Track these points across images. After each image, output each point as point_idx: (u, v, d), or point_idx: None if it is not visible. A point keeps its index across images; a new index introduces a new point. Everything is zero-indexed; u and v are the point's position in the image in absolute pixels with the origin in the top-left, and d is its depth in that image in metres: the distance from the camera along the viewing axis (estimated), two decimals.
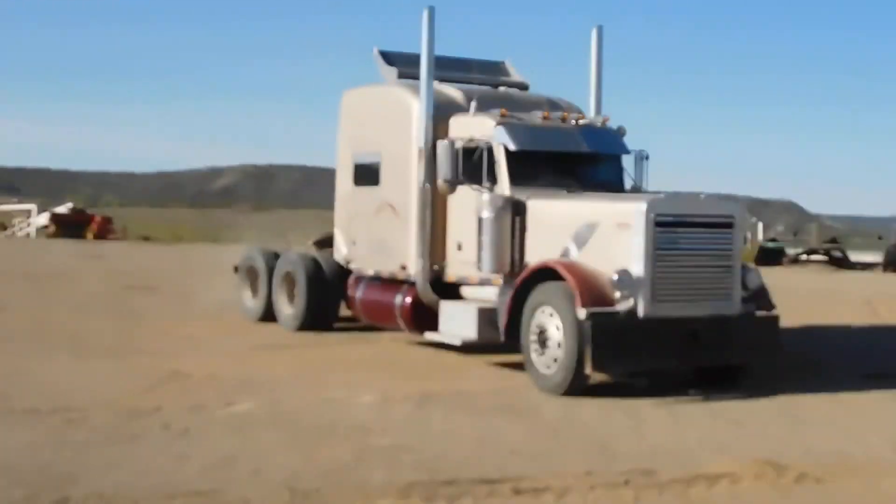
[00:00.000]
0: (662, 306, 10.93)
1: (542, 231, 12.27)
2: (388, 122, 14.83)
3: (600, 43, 15.55)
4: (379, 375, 12.98)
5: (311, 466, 8.37)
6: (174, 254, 39.96)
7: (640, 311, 10.82)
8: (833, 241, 50.39)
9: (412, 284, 13.85)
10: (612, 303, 10.80)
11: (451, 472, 8.31)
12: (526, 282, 11.75)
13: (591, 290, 10.81)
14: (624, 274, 10.70)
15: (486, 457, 8.96)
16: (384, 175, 14.84)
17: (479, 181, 12.69)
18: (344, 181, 16.10)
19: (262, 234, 32.07)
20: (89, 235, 56.41)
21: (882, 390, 12.47)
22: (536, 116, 13.53)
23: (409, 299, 13.83)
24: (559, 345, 11.07)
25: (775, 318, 12.33)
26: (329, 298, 16.20)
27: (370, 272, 15.06)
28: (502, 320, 12.16)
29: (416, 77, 14.18)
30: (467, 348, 13.73)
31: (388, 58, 15.33)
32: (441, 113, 13.62)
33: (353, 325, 16.60)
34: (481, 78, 15.61)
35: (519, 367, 13.29)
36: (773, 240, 52.12)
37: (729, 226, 11.60)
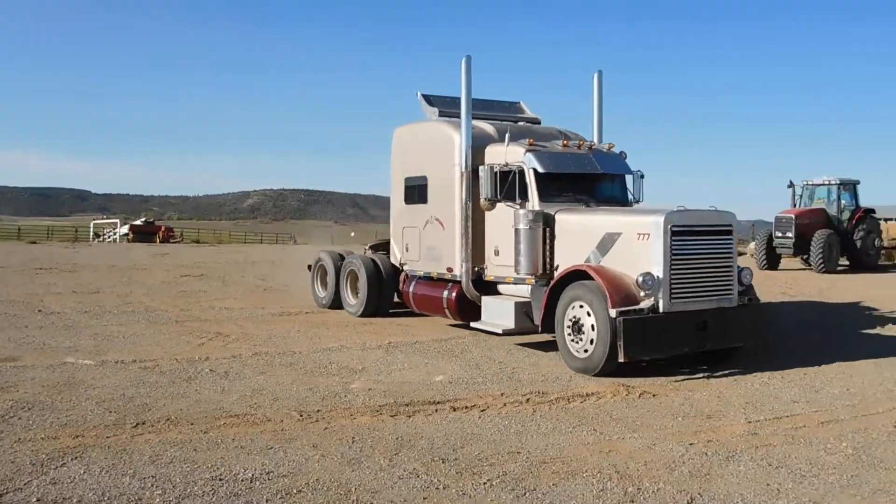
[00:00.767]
0: (678, 302, 9.71)
1: (569, 240, 10.92)
2: (434, 151, 13.26)
3: (601, 84, 14.01)
4: (359, 332, 12.97)
5: (313, 395, 8.38)
6: (217, 252, 39.50)
7: (661, 307, 9.61)
8: None
9: (457, 282, 12.61)
10: (636, 301, 9.60)
11: (409, 396, 8.37)
12: (560, 281, 10.49)
13: (619, 291, 9.62)
14: (647, 276, 9.52)
15: (432, 385, 9.03)
16: (431, 195, 13.32)
17: (512, 199, 11.53)
18: (397, 200, 14.49)
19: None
20: (157, 240, 55.69)
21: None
22: (557, 144, 12.20)
23: (454, 294, 12.63)
24: (592, 335, 9.79)
25: (763, 307, 11.16)
26: (385, 292, 14.71)
27: (421, 272, 13.70)
28: (539, 313, 10.82)
29: (454, 115, 13.05)
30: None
31: (429, 100, 13.97)
32: (477, 143, 12.32)
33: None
34: (502, 115, 14.05)
35: (456, 326, 13.40)
36: None
37: (728, 233, 10.33)
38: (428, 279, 13.47)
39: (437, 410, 7.81)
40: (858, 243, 27.91)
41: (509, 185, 11.52)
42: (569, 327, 10.15)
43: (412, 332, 12.96)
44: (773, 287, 20.59)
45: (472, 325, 12.09)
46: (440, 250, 13.02)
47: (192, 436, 6.74)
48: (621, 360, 9.39)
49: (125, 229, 61.68)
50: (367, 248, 16.20)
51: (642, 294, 9.59)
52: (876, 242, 28.72)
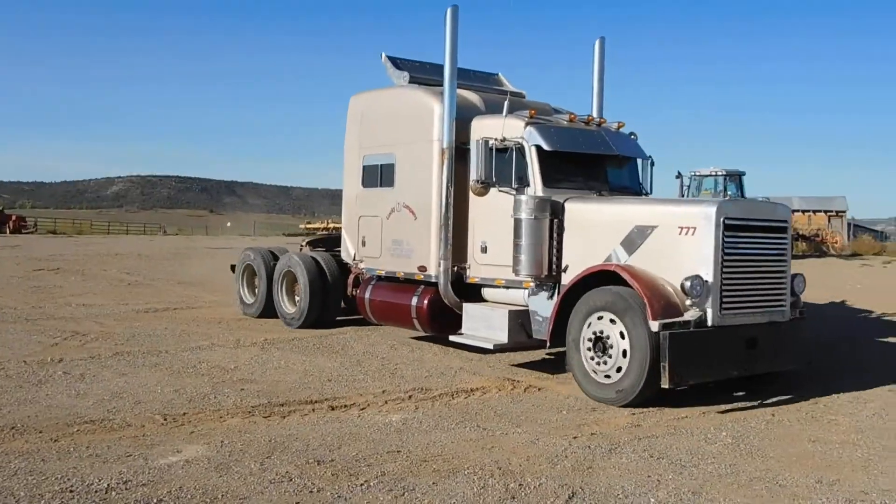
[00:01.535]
0: (728, 314, 8.15)
1: (583, 234, 9.17)
2: (405, 124, 11.26)
3: (602, 54, 12.08)
4: (233, 329, 12.71)
5: (179, 397, 8.14)
6: (76, 243, 37.79)
7: (709, 320, 8.00)
8: None
9: (430, 285, 10.73)
10: (679, 311, 8.00)
11: (284, 396, 8.26)
12: (575, 286, 8.80)
13: (660, 299, 8.00)
14: (696, 280, 7.90)
15: (309, 383, 8.94)
16: (399, 177, 11.32)
17: (507, 183, 9.70)
18: (352, 183, 12.35)
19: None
20: (7, 231, 52.86)
21: None
22: (562, 119, 10.47)
23: (426, 301, 10.67)
24: (623, 354, 8.13)
25: (807, 323, 9.46)
26: (331, 297, 12.82)
27: (382, 272, 11.64)
28: (546, 325, 9.14)
29: (427, 82, 11.48)
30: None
31: (396, 63, 11.94)
32: (460, 115, 10.37)
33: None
34: (480, 87, 11.76)
35: (335, 322, 13.26)
36: None
37: (784, 230, 8.81)
38: (391, 280, 11.56)
39: (314, 410, 7.73)
40: None
41: (504, 165, 9.75)
42: (589, 344, 8.47)
43: (289, 328, 12.78)
44: None
45: (452, 338, 10.34)
46: (410, 245, 11.11)
47: (39, 445, 6.42)
48: (665, 385, 7.80)
49: None
50: (303, 244, 14.43)
51: (688, 302, 8.03)
52: None
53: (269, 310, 13.64)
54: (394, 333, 12.00)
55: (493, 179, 9.78)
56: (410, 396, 8.40)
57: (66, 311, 14.14)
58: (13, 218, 58.33)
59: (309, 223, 28.15)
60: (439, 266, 10.48)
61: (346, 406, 7.91)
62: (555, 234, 9.34)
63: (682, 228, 8.28)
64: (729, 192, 30.20)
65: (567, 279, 9.11)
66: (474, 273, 10.39)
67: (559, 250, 9.35)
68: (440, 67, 10.75)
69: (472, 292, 10.54)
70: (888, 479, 6.09)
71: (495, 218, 9.90)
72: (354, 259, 12.32)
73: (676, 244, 8.30)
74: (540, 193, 9.51)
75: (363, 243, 12.09)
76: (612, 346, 8.24)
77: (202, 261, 26.06)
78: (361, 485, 5.65)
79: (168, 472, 5.83)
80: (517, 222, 9.30)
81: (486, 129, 10.08)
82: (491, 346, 9.72)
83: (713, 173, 30.77)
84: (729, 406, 8.26)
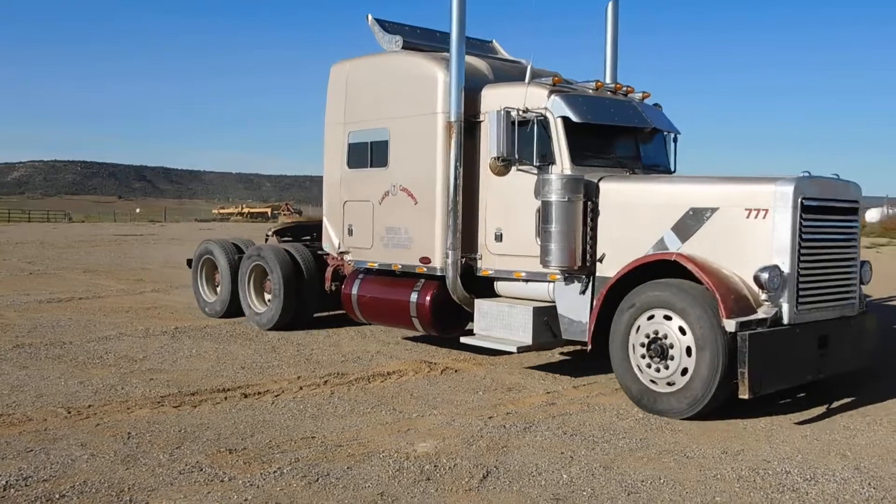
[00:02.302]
0: (804, 310, 7.28)
1: (624, 218, 8.08)
2: (402, 94, 9.93)
3: (616, 17, 10.99)
4: (142, 317, 12.43)
5: (84, 389, 7.94)
6: None
7: (785, 317, 7.13)
8: None
9: (433, 279, 9.50)
10: (753, 308, 7.07)
11: (196, 385, 8.15)
12: (621, 279, 7.73)
13: (733, 294, 7.05)
14: (774, 271, 6.94)
15: (222, 371, 8.84)
16: (394, 155, 9.99)
17: (529, 160, 8.58)
18: (335, 164, 10.85)
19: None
20: None
21: None
22: (588, 87, 9.32)
23: (428, 297, 9.42)
24: (687, 359, 7.09)
25: (872, 317, 8.38)
26: (308, 294, 11.42)
27: (374, 264, 10.31)
28: (587, 325, 8.08)
29: (421, 48, 10.29)
30: None
31: (386, 26, 10.58)
32: (469, 84, 9.15)
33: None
34: (480, 54, 10.46)
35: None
36: None
37: (855, 211, 7.93)
38: (383, 274, 10.30)
39: (226, 398, 7.65)
40: None
41: (525, 140, 8.61)
42: (643, 349, 7.44)
43: (203, 316, 12.58)
44: None
45: (465, 340, 9.15)
46: (409, 233, 9.83)
47: None
48: (744, 395, 6.80)
49: None
50: (269, 233, 13.00)
51: (763, 297, 7.06)
52: None
53: (234, 309, 12.30)
54: (309, 322, 11.87)
55: (516, 156, 8.57)
56: (326, 382, 8.38)
57: None
58: None
59: (222, 208, 27.77)
60: (446, 257, 9.21)
61: (259, 393, 7.85)
62: (588, 219, 8.26)
63: (749, 211, 7.32)
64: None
65: (605, 270, 8.11)
66: (487, 265, 9.24)
67: (594, 237, 8.28)
68: (433, 33, 9.81)
69: (484, 287, 9.38)
70: (789, 448, 6.39)
71: (513, 201, 8.84)
72: (339, 251, 10.92)
73: (742, 229, 7.34)
74: (568, 172, 8.40)
75: (349, 232, 10.68)
76: (671, 349, 7.24)
77: (109, 248, 25.38)
78: (274, 472, 5.63)
79: (71, 466, 5.70)
80: (545, 205, 8.12)
81: (504, 98, 8.87)
82: (514, 349, 8.67)
83: None
84: None
